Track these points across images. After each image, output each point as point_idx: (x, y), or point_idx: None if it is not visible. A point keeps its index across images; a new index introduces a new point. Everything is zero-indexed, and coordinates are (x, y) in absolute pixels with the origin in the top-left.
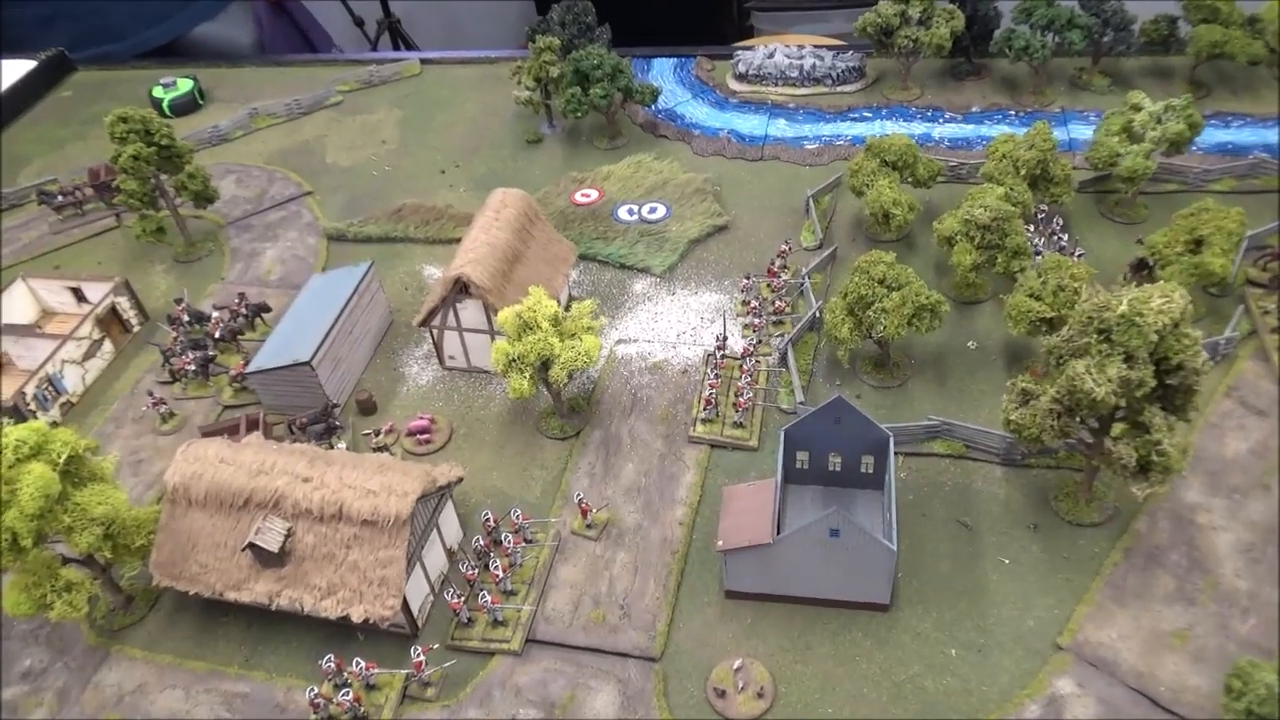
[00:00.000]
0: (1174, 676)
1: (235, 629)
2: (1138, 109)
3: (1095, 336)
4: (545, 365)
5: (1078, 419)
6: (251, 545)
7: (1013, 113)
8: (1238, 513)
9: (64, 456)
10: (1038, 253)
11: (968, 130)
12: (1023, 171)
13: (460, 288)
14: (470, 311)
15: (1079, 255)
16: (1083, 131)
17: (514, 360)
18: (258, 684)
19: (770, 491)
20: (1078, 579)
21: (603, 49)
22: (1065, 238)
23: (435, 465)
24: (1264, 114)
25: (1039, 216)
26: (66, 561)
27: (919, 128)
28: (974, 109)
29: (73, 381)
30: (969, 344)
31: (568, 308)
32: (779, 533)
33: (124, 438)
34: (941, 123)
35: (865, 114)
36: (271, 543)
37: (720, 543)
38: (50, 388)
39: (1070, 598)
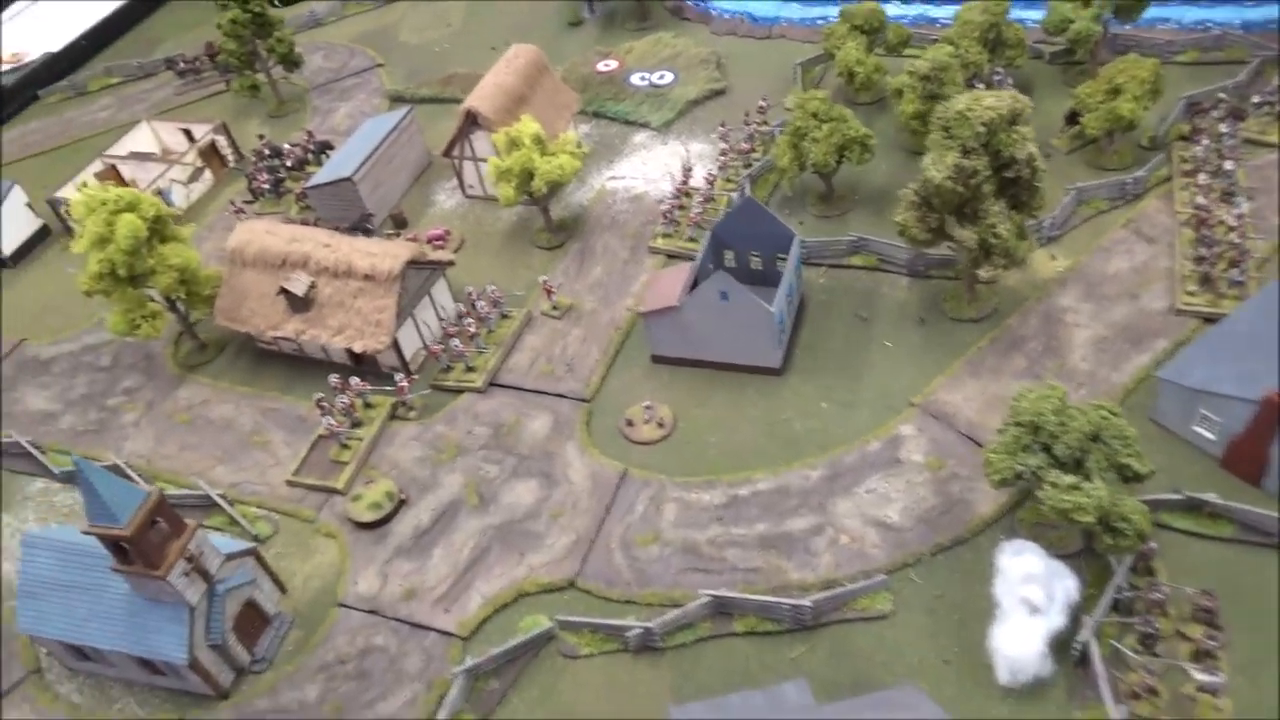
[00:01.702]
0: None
1: (278, 368)
2: None
3: (941, 133)
4: (530, 177)
5: (934, 211)
6: (283, 289)
7: None
8: (1101, 315)
9: (151, 214)
10: None
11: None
12: (977, 34)
13: (471, 120)
14: (483, 143)
15: None
16: None
17: (503, 172)
18: (288, 404)
19: (688, 271)
20: (945, 359)
21: None
22: None
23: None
24: None
25: (994, 78)
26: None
27: (916, 9)
28: None
29: (179, 198)
30: (910, 185)
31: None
32: None
33: (214, 240)
34: (939, 5)
35: None
36: (298, 288)
37: (641, 308)
38: (161, 199)
39: (934, 371)
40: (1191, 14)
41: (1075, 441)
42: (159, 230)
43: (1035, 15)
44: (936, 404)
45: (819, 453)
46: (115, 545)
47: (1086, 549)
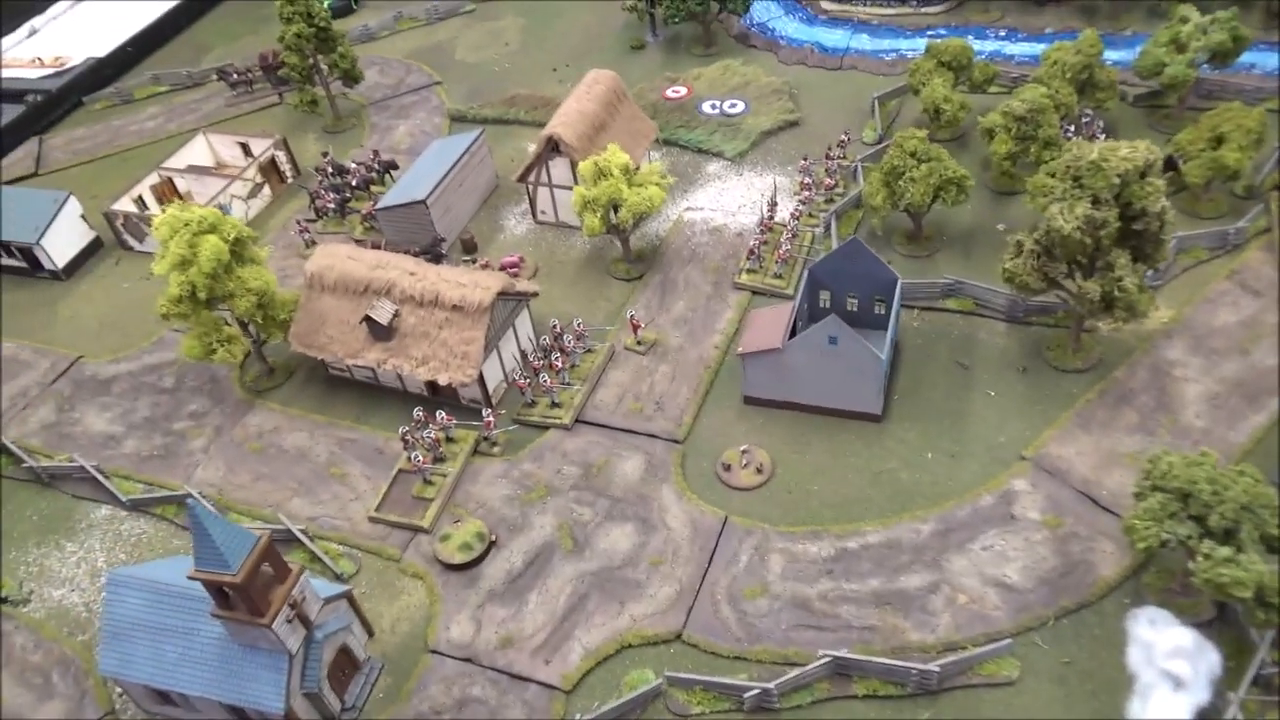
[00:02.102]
0: (1118, 485)
1: (351, 396)
2: (1185, 21)
3: (1070, 182)
4: (615, 208)
5: (1055, 260)
6: (367, 318)
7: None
8: (1212, 370)
9: (233, 236)
10: None
11: (1039, 50)
12: (1068, 75)
13: (551, 146)
14: (560, 170)
15: None
16: None
17: (589, 202)
18: (364, 434)
19: (788, 311)
20: (1052, 410)
21: None
22: (1104, 139)
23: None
24: None
25: (1083, 120)
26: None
27: (992, 45)
28: (1047, 30)
29: (238, 213)
30: (999, 226)
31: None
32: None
33: (275, 259)
34: (1015, 41)
35: (942, 32)
36: (383, 316)
37: (740, 348)
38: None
39: (1042, 423)
40: (1273, 60)
41: (1232, 513)
42: (238, 252)
43: (1114, 56)
44: (1048, 458)
45: (928, 505)
46: (218, 590)
47: (1219, 618)
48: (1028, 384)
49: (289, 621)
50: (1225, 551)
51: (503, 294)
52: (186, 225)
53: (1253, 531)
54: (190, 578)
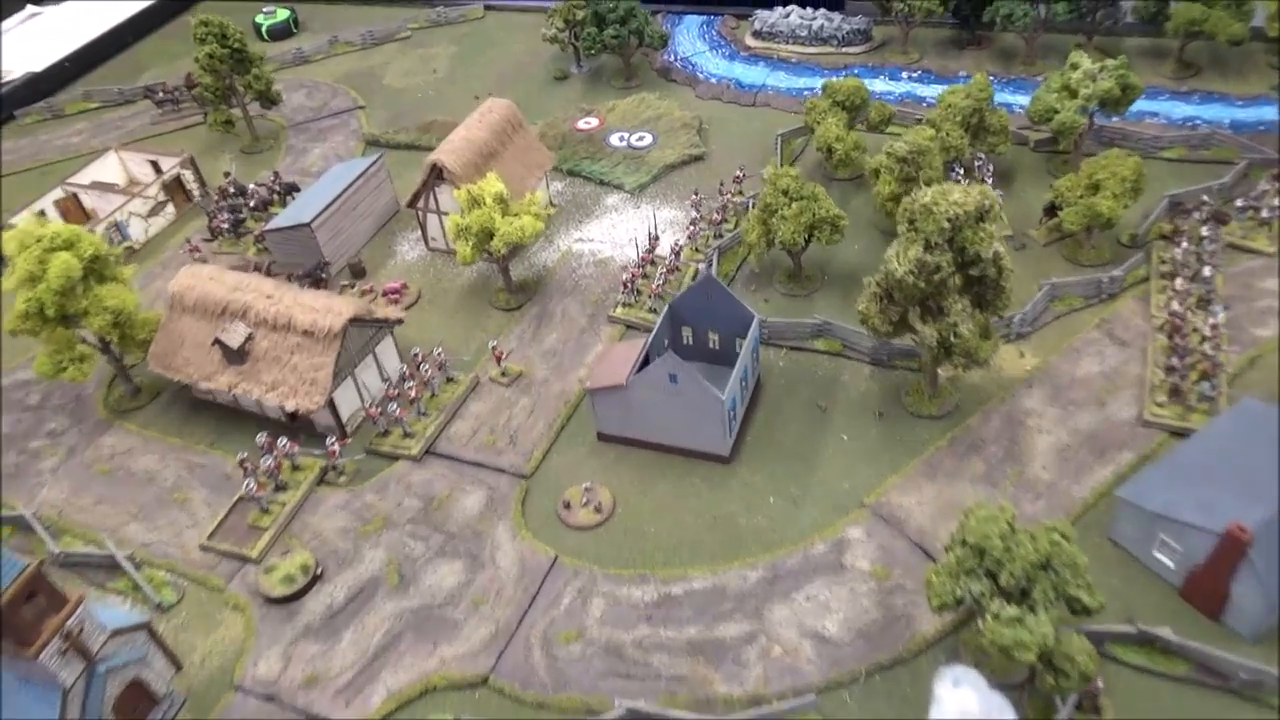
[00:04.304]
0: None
1: (210, 419)
2: (1076, 67)
3: (906, 225)
4: (489, 236)
5: (895, 304)
6: (218, 340)
7: (995, 79)
8: (1066, 421)
9: (89, 254)
10: None
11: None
12: (959, 118)
13: (436, 173)
14: (448, 197)
15: None
16: None
17: (462, 230)
18: (215, 458)
19: (639, 347)
20: (901, 457)
21: None
22: (990, 183)
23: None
24: (1243, 95)
25: (976, 163)
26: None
27: (904, 87)
28: (961, 74)
29: (137, 232)
30: (873, 275)
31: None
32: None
33: (167, 277)
34: (927, 84)
35: (858, 71)
36: (233, 340)
37: (588, 383)
38: (117, 233)
39: (889, 470)
40: (1180, 110)
41: (1021, 571)
42: (96, 269)
43: (1022, 100)
44: (888, 506)
45: (761, 552)
46: None
47: (1031, 680)
48: (882, 429)
49: (62, 654)
50: (1012, 611)
51: (356, 320)
52: (38, 241)
53: (1048, 591)
54: None
